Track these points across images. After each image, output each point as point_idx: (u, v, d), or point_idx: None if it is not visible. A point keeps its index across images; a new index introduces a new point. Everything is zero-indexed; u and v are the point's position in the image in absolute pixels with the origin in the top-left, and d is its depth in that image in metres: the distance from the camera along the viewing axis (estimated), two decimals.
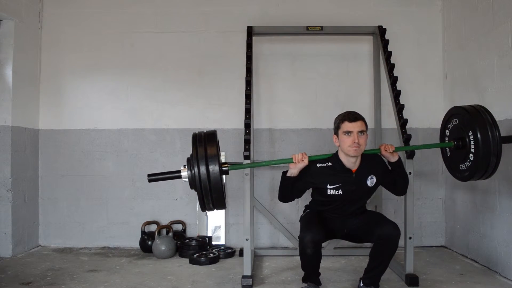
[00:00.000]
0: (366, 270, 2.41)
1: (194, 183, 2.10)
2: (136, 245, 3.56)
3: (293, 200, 2.50)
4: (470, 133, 2.33)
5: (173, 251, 3.36)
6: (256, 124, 3.59)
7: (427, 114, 3.66)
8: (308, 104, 3.69)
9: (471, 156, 2.33)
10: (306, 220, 2.44)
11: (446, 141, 2.58)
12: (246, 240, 2.69)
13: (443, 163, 3.62)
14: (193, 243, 3.37)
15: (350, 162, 2.36)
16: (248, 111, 2.94)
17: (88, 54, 3.73)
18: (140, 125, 3.71)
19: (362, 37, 3.66)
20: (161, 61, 3.72)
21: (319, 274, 2.42)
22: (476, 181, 3.12)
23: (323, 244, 2.39)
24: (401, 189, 2.51)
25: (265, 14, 3.69)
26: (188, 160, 2.16)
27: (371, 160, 2.43)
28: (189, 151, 3.66)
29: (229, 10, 3.73)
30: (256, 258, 3.32)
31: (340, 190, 2.36)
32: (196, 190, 2.12)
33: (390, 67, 3.15)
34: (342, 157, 2.37)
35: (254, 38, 3.43)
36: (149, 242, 3.43)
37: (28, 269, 2.99)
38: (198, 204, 3.65)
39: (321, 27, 3.43)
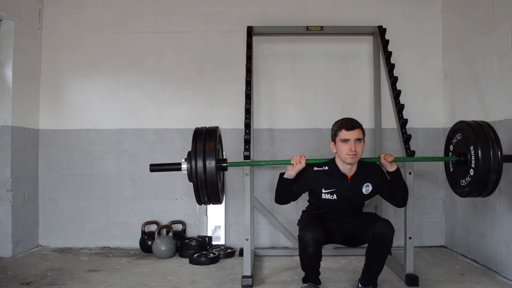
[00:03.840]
0: (363, 271, 2.42)
1: (191, 176, 2.22)
2: (136, 245, 3.56)
3: (289, 203, 2.53)
4: (471, 148, 2.32)
5: (173, 251, 3.36)
6: (256, 124, 3.58)
7: (427, 114, 3.66)
8: (308, 104, 3.69)
9: (471, 172, 2.32)
10: (305, 221, 2.45)
11: (450, 155, 2.57)
12: (246, 240, 2.69)
13: (443, 163, 3.65)
14: (193, 243, 3.37)
15: (346, 168, 2.37)
16: (248, 111, 2.94)
17: (88, 54, 3.73)
18: (140, 125, 3.71)
19: (362, 37, 3.66)
20: (161, 61, 3.72)
21: (319, 273, 2.42)
22: None
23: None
24: (400, 200, 2.49)
25: (265, 14, 3.69)
26: (189, 153, 2.24)
27: (368, 167, 2.43)
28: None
29: (229, 10, 3.73)
30: (256, 258, 3.32)
31: (335, 195, 2.37)
32: (193, 184, 2.24)
33: (390, 67, 3.15)
34: (338, 163, 2.39)
35: (254, 38, 3.43)
36: (149, 242, 3.43)
37: (28, 269, 2.99)
38: (198, 204, 3.66)
39: (321, 27, 3.43)
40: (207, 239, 3.52)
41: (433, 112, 3.68)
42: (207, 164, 2.17)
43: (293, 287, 2.61)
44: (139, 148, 3.71)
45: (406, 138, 2.79)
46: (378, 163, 2.47)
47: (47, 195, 3.70)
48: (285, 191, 2.44)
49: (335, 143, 2.37)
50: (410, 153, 2.71)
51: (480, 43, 3.07)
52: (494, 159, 2.22)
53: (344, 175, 2.38)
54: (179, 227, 3.62)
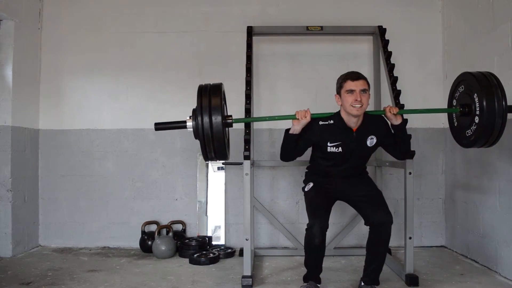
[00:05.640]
0: (364, 268, 2.43)
1: (197, 133, 2.19)
2: (136, 245, 3.56)
3: (294, 159, 2.52)
4: (475, 95, 2.30)
5: (173, 251, 3.37)
6: (256, 124, 3.58)
7: (427, 114, 3.66)
8: (308, 104, 3.61)
9: (476, 119, 2.29)
10: (311, 203, 2.44)
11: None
12: (246, 240, 2.69)
13: (443, 163, 3.67)
14: (193, 243, 3.37)
15: (352, 121, 2.38)
16: (248, 111, 2.94)
17: (88, 54, 3.73)
18: (140, 125, 3.71)
19: (362, 37, 3.66)
20: (161, 61, 3.72)
21: (321, 270, 2.43)
22: (475, 181, 3.13)
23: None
24: (401, 152, 2.50)
25: (265, 14, 3.69)
26: (194, 110, 2.23)
27: (373, 120, 2.45)
28: (189, 151, 3.71)
29: (229, 10, 3.73)
30: (256, 258, 3.32)
31: (340, 147, 2.38)
32: (199, 140, 2.22)
33: (390, 67, 3.15)
34: (344, 115, 2.40)
35: (254, 38, 3.43)
36: (149, 242, 3.43)
37: (28, 269, 2.99)
38: (198, 204, 3.66)
39: (321, 27, 3.43)
40: (207, 239, 3.52)
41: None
42: (213, 119, 2.15)
43: (293, 287, 2.61)
44: (139, 148, 3.71)
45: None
46: (383, 116, 2.47)
47: (47, 195, 3.70)
48: (291, 147, 2.43)
49: (340, 95, 2.38)
50: (410, 153, 2.71)
51: (480, 43, 3.07)
52: (498, 104, 2.21)
53: (350, 128, 2.39)
54: (179, 227, 3.62)
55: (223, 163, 3.54)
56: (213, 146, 2.20)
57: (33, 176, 3.63)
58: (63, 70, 3.74)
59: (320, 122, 2.41)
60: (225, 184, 3.64)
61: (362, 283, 2.42)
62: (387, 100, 3.33)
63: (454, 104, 2.53)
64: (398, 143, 2.45)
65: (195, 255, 3.19)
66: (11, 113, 3.32)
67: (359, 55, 3.70)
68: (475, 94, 2.30)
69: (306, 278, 2.45)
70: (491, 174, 2.95)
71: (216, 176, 3.92)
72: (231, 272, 2.95)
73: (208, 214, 3.64)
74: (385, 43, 3.30)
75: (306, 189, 2.56)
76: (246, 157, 2.71)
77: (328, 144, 2.39)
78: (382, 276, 2.46)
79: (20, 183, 3.44)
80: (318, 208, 2.38)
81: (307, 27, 3.43)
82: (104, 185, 3.69)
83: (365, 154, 2.50)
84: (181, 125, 2.28)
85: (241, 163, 2.78)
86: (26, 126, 3.53)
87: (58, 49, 3.73)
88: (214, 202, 3.66)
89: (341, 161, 2.45)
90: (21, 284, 2.67)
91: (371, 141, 2.42)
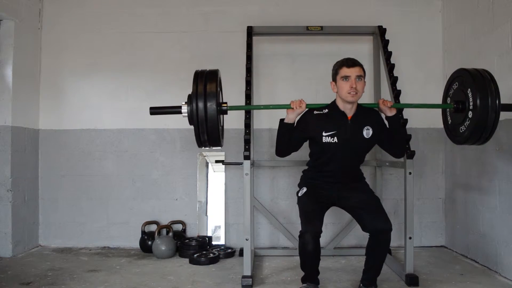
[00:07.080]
0: (364, 271, 2.42)
1: (191, 118, 2.21)
2: (136, 245, 3.56)
3: (290, 153, 2.49)
4: (469, 90, 2.30)
5: (173, 251, 3.37)
6: (256, 124, 3.59)
7: (427, 114, 3.65)
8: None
9: (470, 114, 2.30)
10: (304, 209, 2.40)
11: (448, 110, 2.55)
12: (246, 240, 2.69)
13: (443, 163, 3.67)
14: (193, 243, 3.37)
15: (347, 107, 2.37)
16: (248, 111, 2.94)
17: (88, 54, 3.73)
18: (140, 125, 3.71)
19: (362, 37, 3.66)
20: (161, 61, 3.72)
21: (318, 272, 2.42)
22: (475, 181, 3.13)
23: (323, 244, 2.39)
24: (397, 147, 2.46)
25: (265, 14, 3.69)
26: (189, 96, 2.24)
27: (368, 112, 2.43)
28: (189, 151, 3.71)
29: (229, 10, 3.73)
30: (256, 258, 3.32)
31: (336, 137, 2.34)
32: (193, 125, 2.23)
33: (390, 67, 3.15)
34: (339, 103, 2.39)
35: (254, 38, 3.43)
36: (149, 242, 3.43)
37: (28, 269, 2.99)
38: (198, 204, 3.66)
39: (321, 27, 3.43)
40: (207, 239, 3.52)
41: (433, 112, 3.66)
42: (208, 105, 2.16)
43: (293, 287, 2.61)
44: (139, 148, 3.71)
45: (406, 138, 2.79)
46: (376, 109, 2.46)
47: (47, 195, 3.70)
48: (286, 138, 2.40)
49: (335, 82, 2.37)
50: (410, 153, 2.71)
51: (480, 43, 3.08)
52: (491, 99, 2.20)
53: (344, 114, 2.37)
54: (179, 227, 3.62)
55: (223, 163, 3.54)
56: (207, 132, 2.21)
57: (33, 176, 3.63)
58: (63, 70, 3.74)
59: (315, 112, 2.41)
60: (225, 184, 3.64)
61: (361, 285, 2.42)
62: None
63: (448, 101, 2.53)
64: (394, 137, 2.42)
65: (195, 255, 3.19)
66: (11, 113, 3.32)
67: (359, 55, 3.60)
68: (469, 89, 2.30)
69: (304, 280, 2.44)
70: (491, 174, 2.95)
71: (216, 176, 3.92)
72: (231, 272, 2.95)
73: (208, 214, 3.65)
74: (385, 43, 3.30)
75: (299, 194, 2.51)
76: (246, 157, 2.71)
77: (323, 133, 2.35)
78: (382, 276, 2.46)
79: (20, 183, 3.44)
80: (310, 214, 2.34)
81: (307, 27, 3.43)
82: (104, 185, 3.69)
83: (362, 147, 2.43)
84: (176, 110, 2.27)
85: (241, 163, 2.78)
86: (26, 126, 3.53)
87: (58, 49, 3.73)
88: (214, 202, 3.66)
89: (337, 154, 2.37)
90: (21, 284, 2.67)
91: (367, 131, 2.37)
